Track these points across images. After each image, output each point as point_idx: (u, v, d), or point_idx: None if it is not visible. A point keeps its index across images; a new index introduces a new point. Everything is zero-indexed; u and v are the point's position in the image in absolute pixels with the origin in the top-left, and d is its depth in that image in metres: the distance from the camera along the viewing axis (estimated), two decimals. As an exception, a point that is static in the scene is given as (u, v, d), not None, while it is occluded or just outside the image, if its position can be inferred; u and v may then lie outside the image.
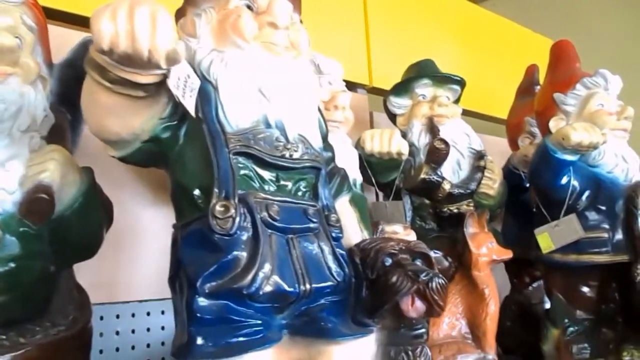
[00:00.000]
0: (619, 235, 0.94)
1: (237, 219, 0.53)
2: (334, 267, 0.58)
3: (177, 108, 0.57)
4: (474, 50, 1.75)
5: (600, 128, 0.93)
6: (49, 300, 0.62)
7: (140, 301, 0.91)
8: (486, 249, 0.95)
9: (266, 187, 0.58)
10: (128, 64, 0.48)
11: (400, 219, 0.99)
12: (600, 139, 0.89)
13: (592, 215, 0.96)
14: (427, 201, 1.04)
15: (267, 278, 0.52)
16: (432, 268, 0.64)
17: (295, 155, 0.59)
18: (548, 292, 1.06)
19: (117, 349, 0.88)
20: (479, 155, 1.06)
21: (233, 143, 0.55)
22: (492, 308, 0.94)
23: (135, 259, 0.90)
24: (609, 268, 0.94)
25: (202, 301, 0.51)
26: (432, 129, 1.06)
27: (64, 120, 0.71)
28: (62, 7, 0.92)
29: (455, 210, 1.01)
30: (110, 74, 0.50)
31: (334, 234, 0.61)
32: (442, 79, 1.11)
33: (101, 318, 0.87)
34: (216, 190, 0.54)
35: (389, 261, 0.62)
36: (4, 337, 0.57)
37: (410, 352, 0.64)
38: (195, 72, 0.58)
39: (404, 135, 1.05)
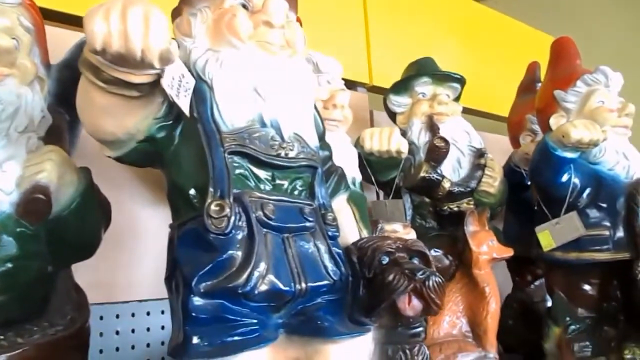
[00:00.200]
0: (620, 233, 0.94)
1: (232, 218, 0.53)
2: (330, 266, 0.58)
3: (172, 108, 0.57)
4: (475, 48, 1.74)
5: (601, 125, 0.92)
6: (47, 300, 0.62)
7: (140, 301, 0.91)
8: (487, 247, 0.95)
9: (262, 186, 0.58)
10: (121, 63, 0.48)
11: (400, 217, 0.99)
12: (601, 136, 0.89)
13: (593, 213, 0.96)
14: (427, 199, 1.04)
15: (262, 277, 0.52)
16: (430, 266, 0.64)
17: (291, 154, 0.59)
18: (549, 290, 1.05)
19: (117, 349, 0.88)
20: (479, 153, 1.05)
21: (228, 142, 0.55)
22: (493, 306, 0.94)
23: (135, 259, 0.91)
24: (610, 266, 0.94)
25: (198, 300, 0.51)
26: (432, 127, 1.05)
27: (62, 121, 0.71)
28: (60, 8, 0.92)
29: (456, 209, 1.01)
30: (104, 74, 0.50)
31: (330, 233, 0.61)
32: (442, 77, 1.11)
33: (101, 318, 0.87)
34: (211, 189, 0.54)
35: (385, 260, 0.62)
36: (1, 337, 0.57)
37: (407, 351, 0.64)
38: (191, 71, 0.58)
39: (404, 133, 1.05)
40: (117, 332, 0.89)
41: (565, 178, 0.95)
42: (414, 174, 0.99)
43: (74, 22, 0.92)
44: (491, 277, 0.96)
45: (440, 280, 0.60)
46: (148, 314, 0.92)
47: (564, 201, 0.96)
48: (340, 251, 0.61)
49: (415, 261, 0.64)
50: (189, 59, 0.59)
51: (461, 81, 1.11)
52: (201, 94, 0.57)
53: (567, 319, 0.98)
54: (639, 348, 0.89)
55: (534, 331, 1.06)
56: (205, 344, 0.51)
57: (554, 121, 1.01)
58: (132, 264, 0.90)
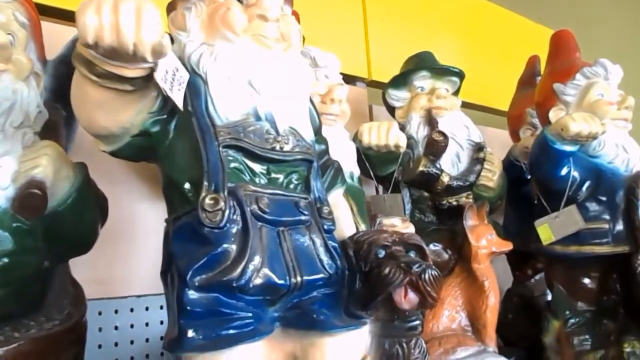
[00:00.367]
0: (620, 226, 0.93)
1: (227, 212, 0.53)
2: (325, 259, 0.58)
3: (167, 102, 0.57)
4: (474, 42, 1.73)
5: (601, 118, 0.92)
6: (44, 295, 0.62)
7: (139, 296, 0.92)
8: (486, 241, 0.95)
9: (257, 180, 0.58)
10: (114, 57, 0.48)
11: (399, 212, 0.99)
12: (600, 129, 0.88)
13: (593, 206, 0.96)
14: (426, 194, 1.04)
15: (257, 270, 0.52)
16: (426, 260, 0.64)
17: (286, 147, 0.59)
18: (549, 283, 1.05)
19: (116, 344, 0.88)
20: (478, 147, 1.05)
21: (223, 136, 0.55)
22: (492, 300, 0.94)
23: (133, 254, 0.91)
24: (609, 259, 0.94)
25: (192, 294, 0.51)
26: (430, 121, 1.05)
27: (58, 117, 0.71)
28: (55, 4, 0.92)
29: (455, 203, 1.01)
30: (97, 68, 0.50)
31: (326, 227, 0.61)
32: (441, 71, 1.10)
33: (100, 313, 0.87)
34: (206, 183, 0.54)
35: (382, 253, 0.62)
36: (-2, 331, 0.57)
37: (404, 344, 0.63)
38: (185, 65, 0.58)
39: (403, 127, 1.05)
40: (116, 327, 0.89)
41: (564, 171, 0.94)
42: (413, 168, 0.99)
43: (70, 17, 0.91)
44: (490, 271, 0.95)
45: (436, 274, 0.60)
46: (147, 309, 0.92)
47: (563, 194, 0.96)
48: (336, 245, 0.61)
49: (412, 254, 0.64)
50: (184, 53, 0.59)
51: (460, 75, 1.11)
52: (195, 87, 0.57)
53: (567, 312, 0.98)
54: (638, 341, 0.89)
55: (535, 325, 1.06)
56: (200, 337, 0.51)
57: (553, 114, 1.00)
58: (130, 259, 0.90)
